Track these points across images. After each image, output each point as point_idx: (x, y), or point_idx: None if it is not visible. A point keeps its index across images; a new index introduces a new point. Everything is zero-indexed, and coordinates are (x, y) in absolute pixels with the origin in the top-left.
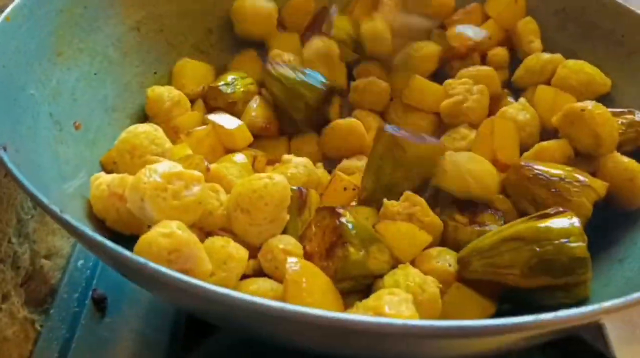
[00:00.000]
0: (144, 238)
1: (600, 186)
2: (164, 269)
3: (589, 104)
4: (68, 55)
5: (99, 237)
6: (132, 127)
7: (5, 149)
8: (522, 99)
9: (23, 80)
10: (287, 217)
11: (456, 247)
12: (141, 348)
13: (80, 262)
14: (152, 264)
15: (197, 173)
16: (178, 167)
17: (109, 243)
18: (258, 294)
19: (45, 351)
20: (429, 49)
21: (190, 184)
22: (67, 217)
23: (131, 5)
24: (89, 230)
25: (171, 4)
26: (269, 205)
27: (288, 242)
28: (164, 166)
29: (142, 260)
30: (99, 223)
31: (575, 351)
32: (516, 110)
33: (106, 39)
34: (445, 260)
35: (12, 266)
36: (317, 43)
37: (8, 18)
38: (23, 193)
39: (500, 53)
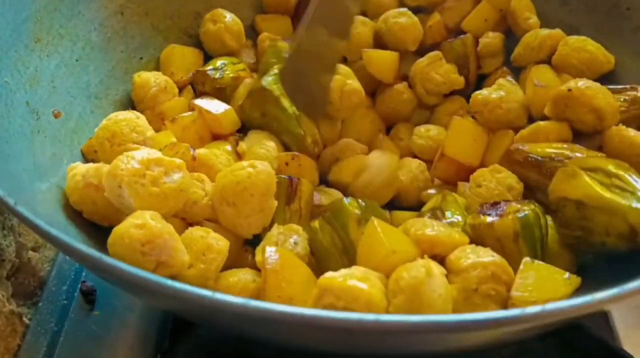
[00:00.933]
0: (116, 231)
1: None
2: (103, 257)
3: (574, 83)
4: (47, 42)
5: (46, 226)
6: (112, 114)
7: None
8: (500, 79)
9: None
10: (275, 203)
11: None
12: (130, 340)
13: None
14: (99, 255)
15: (178, 160)
16: (157, 154)
17: (55, 232)
18: (239, 286)
19: (34, 345)
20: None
21: (171, 171)
22: (21, 208)
23: None
24: (42, 222)
25: None
26: (255, 196)
27: None
28: (142, 152)
29: (91, 252)
30: (76, 215)
31: (573, 338)
32: (489, 91)
33: (88, 24)
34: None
35: None
36: None
37: None
38: None
39: (492, 42)
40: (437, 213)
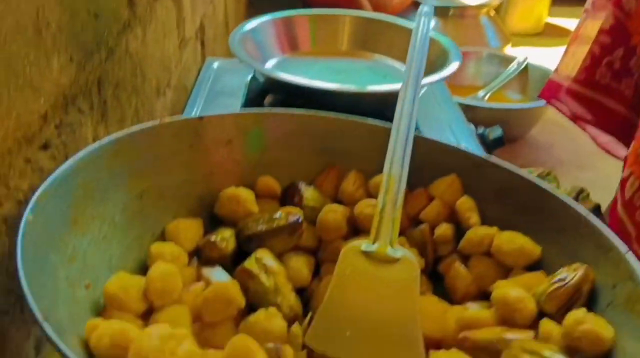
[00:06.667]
0: None
1: None
2: None
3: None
4: (82, 223)
5: None
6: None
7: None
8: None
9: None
10: None
11: None
12: None
13: None
14: None
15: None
16: (167, 329)
17: None
18: None
19: None
20: None
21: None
22: None
23: (137, 177)
24: None
25: (172, 176)
26: None
27: None
28: (158, 329)
29: None
30: None
31: None
32: None
33: (114, 207)
34: None
35: None
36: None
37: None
38: None
39: (444, 233)
40: None
